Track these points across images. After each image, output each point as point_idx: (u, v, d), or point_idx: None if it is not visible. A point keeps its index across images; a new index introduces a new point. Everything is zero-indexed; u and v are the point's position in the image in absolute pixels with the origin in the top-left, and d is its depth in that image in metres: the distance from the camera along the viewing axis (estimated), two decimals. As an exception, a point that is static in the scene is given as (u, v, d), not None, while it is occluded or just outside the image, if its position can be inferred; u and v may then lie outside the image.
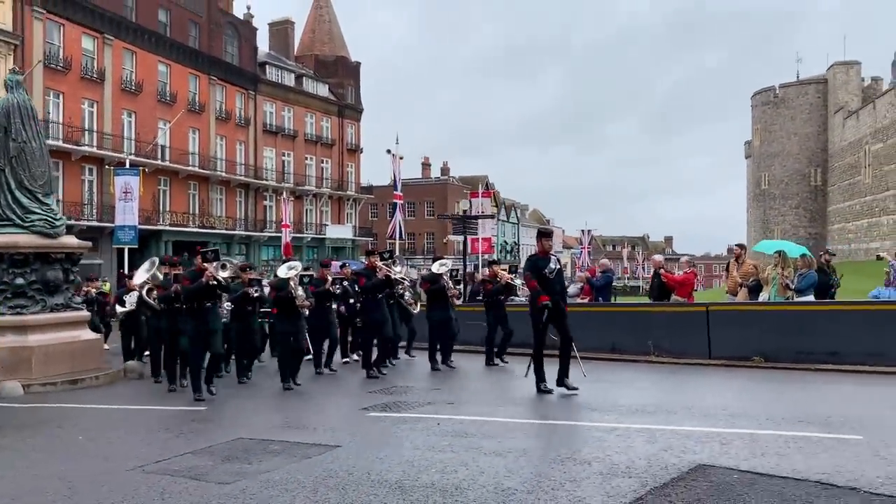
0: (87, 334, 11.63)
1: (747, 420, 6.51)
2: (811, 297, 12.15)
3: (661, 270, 13.92)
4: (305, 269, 13.61)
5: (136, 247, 29.84)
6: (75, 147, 33.05)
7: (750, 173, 73.82)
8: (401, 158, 30.96)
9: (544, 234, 9.14)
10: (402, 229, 29.48)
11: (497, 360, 11.93)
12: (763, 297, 12.72)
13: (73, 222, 32.56)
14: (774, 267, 12.63)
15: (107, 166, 33.63)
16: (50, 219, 11.16)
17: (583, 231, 64.31)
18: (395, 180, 29.70)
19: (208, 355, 9.15)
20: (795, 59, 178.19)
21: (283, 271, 10.12)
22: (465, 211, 32.45)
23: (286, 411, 8.02)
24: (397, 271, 11.56)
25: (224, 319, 10.26)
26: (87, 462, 5.83)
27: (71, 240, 11.69)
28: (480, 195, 40.77)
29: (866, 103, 57.67)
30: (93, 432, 7.14)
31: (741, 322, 12.12)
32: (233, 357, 11.20)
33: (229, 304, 10.48)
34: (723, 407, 7.34)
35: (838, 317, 11.23)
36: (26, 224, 10.85)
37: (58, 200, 32.43)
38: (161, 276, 10.42)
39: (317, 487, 4.80)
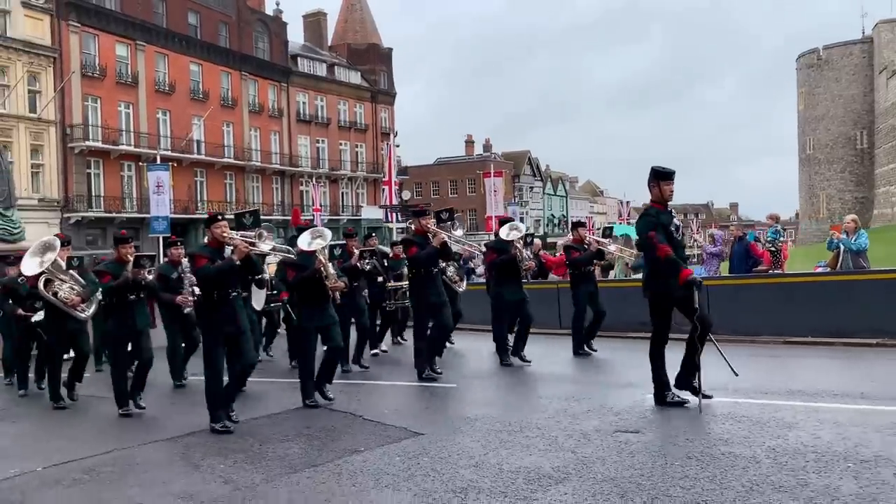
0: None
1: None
2: (645, 274, 13.89)
3: (541, 252, 15.84)
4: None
5: (169, 235, 33.26)
6: (113, 147, 36.68)
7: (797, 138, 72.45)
8: (397, 146, 33.40)
9: (663, 176, 6.35)
10: (395, 213, 31.93)
11: (586, 348, 10.13)
12: (612, 274, 14.51)
13: (113, 215, 36.54)
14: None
15: (140, 163, 37.18)
16: (9, 228, 14.05)
17: (621, 202, 65.01)
18: (389, 168, 32.07)
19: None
20: (861, 15, 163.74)
21: (304, 241, 7.26)
22: (405, 200, 34.43)
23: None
24: (458, 236, 9.02)
25: (189, 310, 8.69)
26: None
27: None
28: (493, 175, 42.84)
29: (910, 62, 56.07)
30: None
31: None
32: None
33: (197, 289, 7.83)
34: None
35: (648, 292, 13.00)
36: (-12, 233, 13.78)
37: (97, 196, 36.35)
38: (63, 263, 8.27)
39: (38, 424, 7.35)
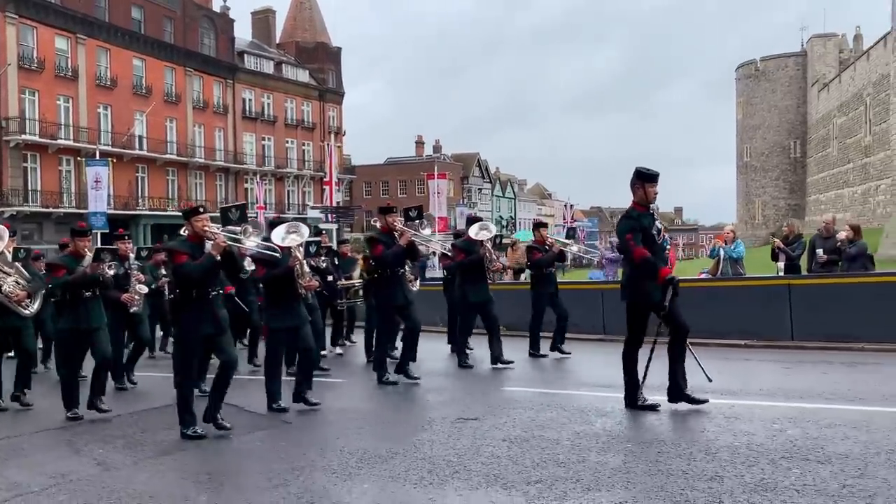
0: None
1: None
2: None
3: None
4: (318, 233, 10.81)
5: (108, 231, 33.14)
6: (51, 141, 36.31)
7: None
8: (338, 147, 33.83)
9: (647, 178, 6.22)
10: (333, 216, 32.35)
11: (557, 351, 9.94)
12: (522, 277, 15.27)
13: (50, 210, 36.18)
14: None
15: (79, 158, 36.93)
16: (-71, 223, 14.15)
17: (566, 205, 66.20)
18: (329, 168, 32.50)
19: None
20: (800, 28, 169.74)
21: (278, 236, 6.70)
22: (339, 203, 35.05)
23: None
24: (426, 235, 8.58)
25: (135, 310, 8.49)
26: None
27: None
28: (436, 177, 43.58)
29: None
30: None
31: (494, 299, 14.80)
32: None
33: (143, 287, 8.65)
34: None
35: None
36: None
37: (34, 190, 35.95)
38: (9, 255, 7.78)
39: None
